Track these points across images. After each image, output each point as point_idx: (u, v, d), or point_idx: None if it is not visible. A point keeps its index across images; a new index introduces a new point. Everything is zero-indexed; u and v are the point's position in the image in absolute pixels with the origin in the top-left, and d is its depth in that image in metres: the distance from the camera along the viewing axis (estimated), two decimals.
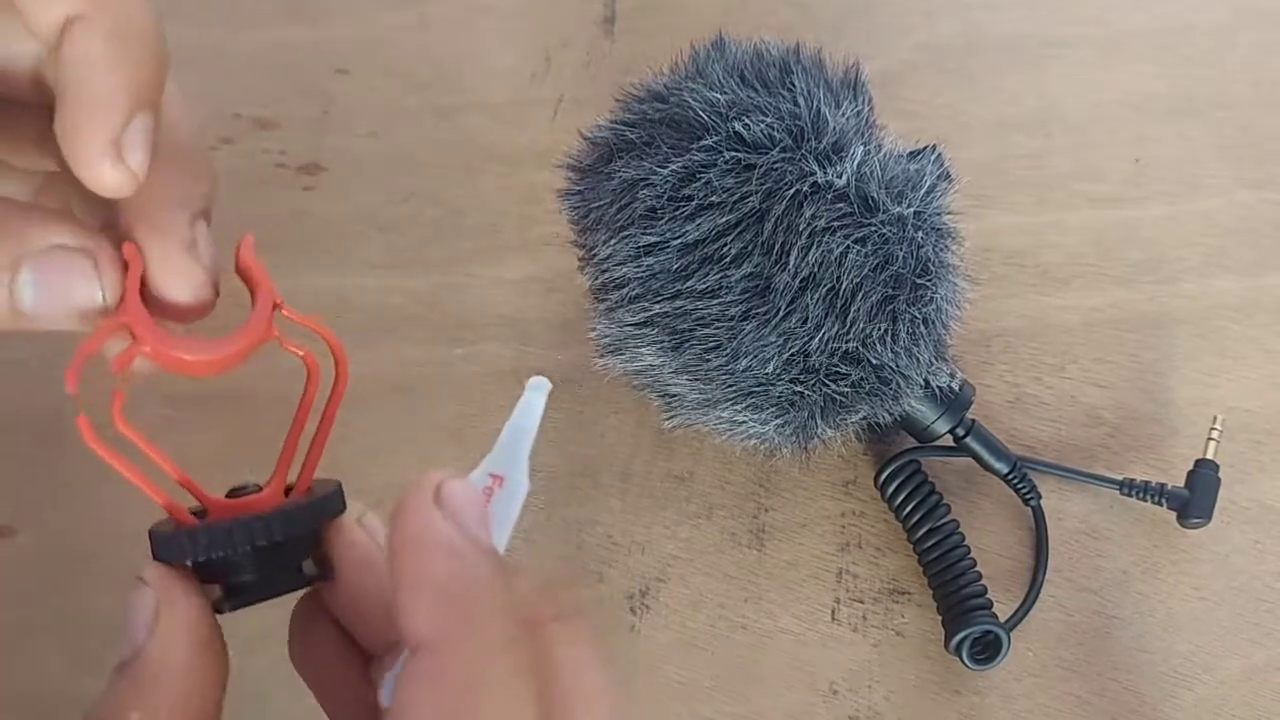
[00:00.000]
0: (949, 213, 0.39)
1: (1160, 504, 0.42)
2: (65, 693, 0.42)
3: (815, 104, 0.37)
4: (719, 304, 0.37)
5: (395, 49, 0.51)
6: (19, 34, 0.28)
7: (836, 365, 0.38)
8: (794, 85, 0.38)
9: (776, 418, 0.39)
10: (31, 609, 0.43)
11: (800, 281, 0.36)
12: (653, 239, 0.37)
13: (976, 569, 0.42)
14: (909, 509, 0.42)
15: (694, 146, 0.37)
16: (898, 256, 0.37)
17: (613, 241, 0.38)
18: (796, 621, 0.42)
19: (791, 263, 0.36)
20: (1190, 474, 0.42)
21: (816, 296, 0.36)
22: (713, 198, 0.37)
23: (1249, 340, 0.46)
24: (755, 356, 0.37)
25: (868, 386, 0.38)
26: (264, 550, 0.26)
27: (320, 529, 0.28)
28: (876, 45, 0.51)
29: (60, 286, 0.27)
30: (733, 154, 0.37)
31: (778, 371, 0.37)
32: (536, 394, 0.28)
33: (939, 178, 0.39)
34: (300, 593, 0.29)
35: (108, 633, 0.42)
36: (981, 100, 0.50)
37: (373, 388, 0.45)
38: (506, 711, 0.20)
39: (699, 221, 0.37)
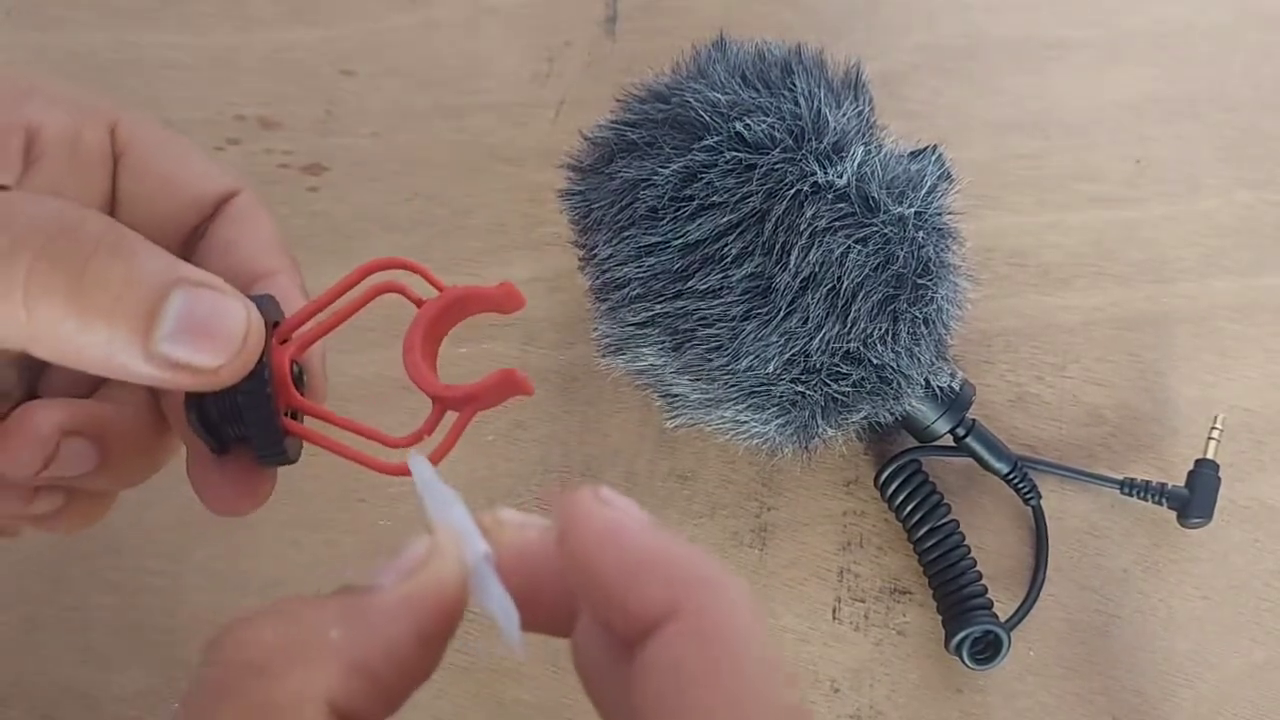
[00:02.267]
0: (950, 213, 0.39)
1: (1161, 503, 0.42)
2: (72, 688, 0.42)
3: (816, 104, 0.37)
4: (720, 304, 0.37)
5: (399, 50, 0.52)
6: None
7: (838, 365, 0.38)
8: (795, 85, 0.38)
9: (778, 417, 0.39)
10: (38, 606, 0.43)
11: (801, 281, 0.36)
12: (654, 239, 0.37)
13: (977, 568, 0.42)
14: (910, 508, 0.43)
15: (695, 147, 0.37)
16: (899, 256, 0.37)
17: (614, 241, 0.38)
18: (798, 620, 0.42)
19: (792, 263, 0.36)
20: (1191, 473, 0.42)
21: (818, 296, 0.37)
22: (714, 198, 0.37)
23: (1249, 340, 0.46)
24: (757, 356, 0.37)
25: (869, 386, 0.38)
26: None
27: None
28: (877, 46, 0.51)
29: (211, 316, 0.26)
30: (734, 154, 0.37)
31: (779, 371, 0.38)
32: (422, 468, 0.26)
33: (940, 178, 0.39)
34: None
35: (113, 629, 0.42)
36: (982, 101, 0.50)
37: (378, 387, 0.45)
38: (764, 650, 0.20)
39: (700, 221, 0.37)
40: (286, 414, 0.29)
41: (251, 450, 0.29)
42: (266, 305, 0.29)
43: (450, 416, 0.29)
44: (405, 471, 0.26)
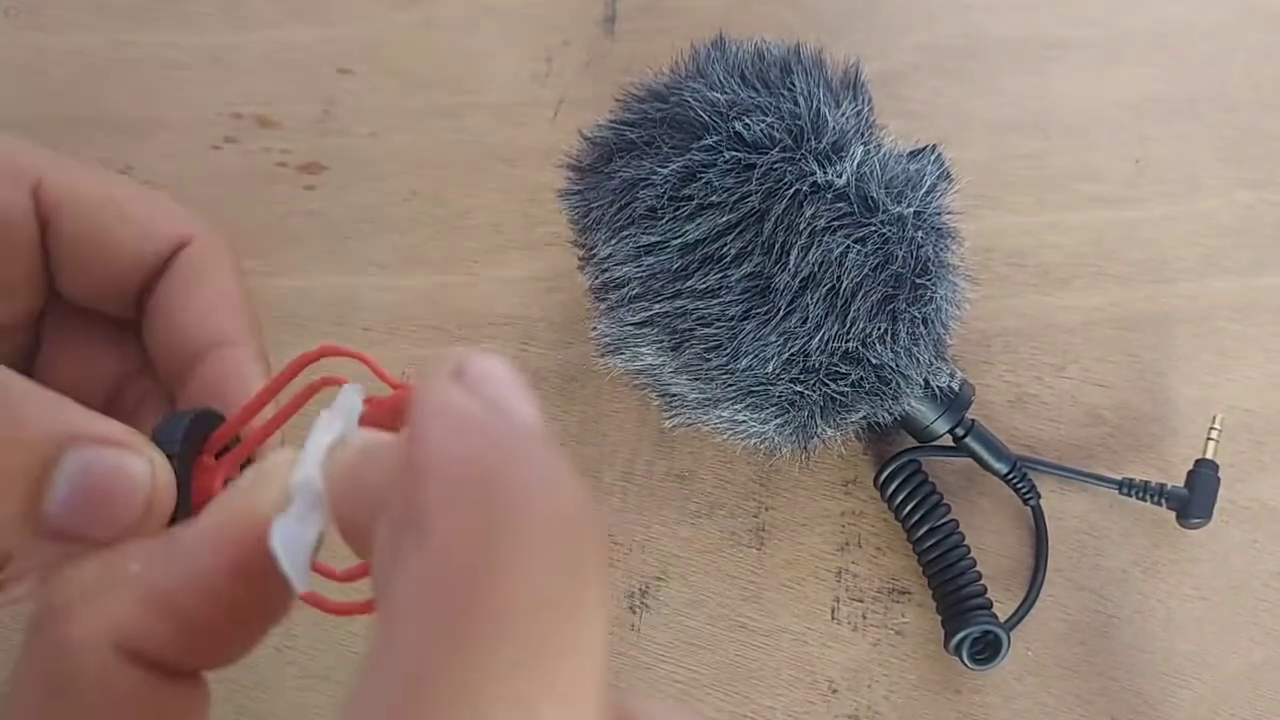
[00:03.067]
0: (949, 213, 0.39)
1: (1160, 504, 0.42)
2: None
3: (815, 104, 0.37)
4: (719, 303, 0.37)
5: (397, 49, 0.51)
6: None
7: (836, 365, 0.38)
8: (794, 85, 0.38)
9: (777, 417, 0.39)
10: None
11: (800, 281, 0.36)
12: (653, 238, 0.37)
13: (976, 569, 0.42)
14: (909, 508, 0.42)
15: (694, 146, 0.37)
16: (898, 256, 0.37)
17: (613, 241, 0.38)
18: (796, 620, 0.42)
19: (791, 262, 0.36)
20: (1190, 474, 0.42)
21: (816, 296, 0.37)
22: (713, 197, 0.37)
23: (1249, 340, 0.46)
24: (755, 356, 0.37)
25: (868, 386, 0.38)
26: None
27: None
28: (877, 45, 0.51)
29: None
30: (733, 154, 0.37)
31: (778, 371, 0.38)
32: (348, 397, 0.23)
33: (939, 178, 0.39)
34: None
35: None
36: (982, 100, 0.50)
37: (377, 386, 0.45)
38: (521, 608, 0.16)
39: (699, 221, 0.37)
40: None
41: None
42: (189, 427, 0.25)
43: None
44: (353, 611, 0.22)
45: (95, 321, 0.31)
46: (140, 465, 0.23)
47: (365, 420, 0.24)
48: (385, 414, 0.24)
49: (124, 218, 0.29)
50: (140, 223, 0.29)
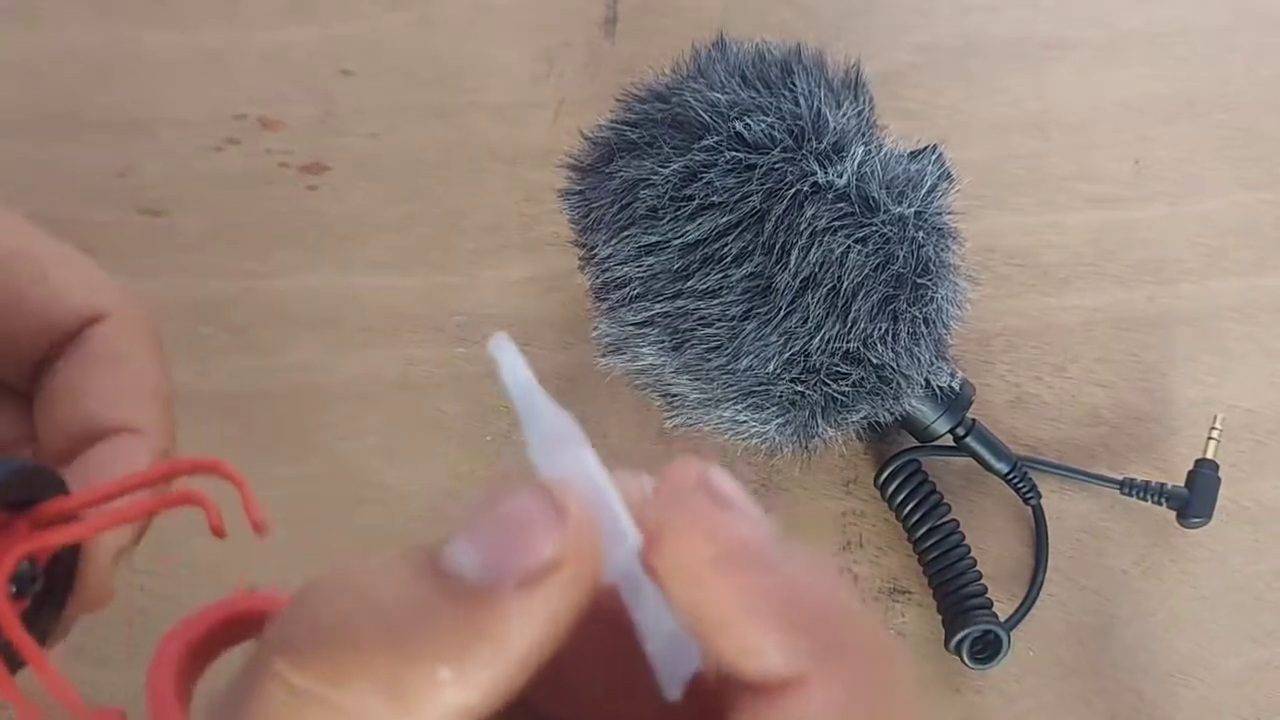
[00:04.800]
0: (949, 213, 0.39)
1: (1160, 504, 0.42)
2: (75, 687, 0.42)
3: (816, 104, 0.37)
4: (720, 304, 0.37)
5: (398, 49, 0.51)
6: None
7: (837, 365, 0.38)
8: (795, 85, 0.38)
9: (777, 417, 0.39)
10: None
11: (801, 281, 0.36)
12: (654, 239, 0.37)
13: (977, 568, 0.42)
14: (909, 508, 0.42)
15: (695, 146, 0.37)
16: (898, 256, 0.37)
17: (613, 241, 0.38)
18: None
19: (792, 262, 0.36)
20: (1190, 474, 0.42)
21: (817, 296, 0.37)
22: (714, 198, 0.37)
23: (1249, 340, 0.46)
24: (756, 356, 0.37)
25: (868, 386, 0.38)
26: None
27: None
28: (877, 45, 0.51)
29: None
30: (734, 154, 0.37)
31: (778, 371, 0.38)
32: (506, 354, 0.20)
33: (939, 178, 0.39)
34: None
35: (109, 628, 0.42)
36: (982, 101, 0.50)
37: (375, 387, 0.45)
38: None
39: (700, 221, 0.37)
40: None
41: None
42: (11, 476, 0.22)
43: None
44: None
45: None
46: None
47: (231, 608, 0.21)
48: (255, 614, 0.21)
49: (37, 278, 0.26)
50: (54, 287, 0.27)
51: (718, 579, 0.16)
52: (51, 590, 0.24)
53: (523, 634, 0.16)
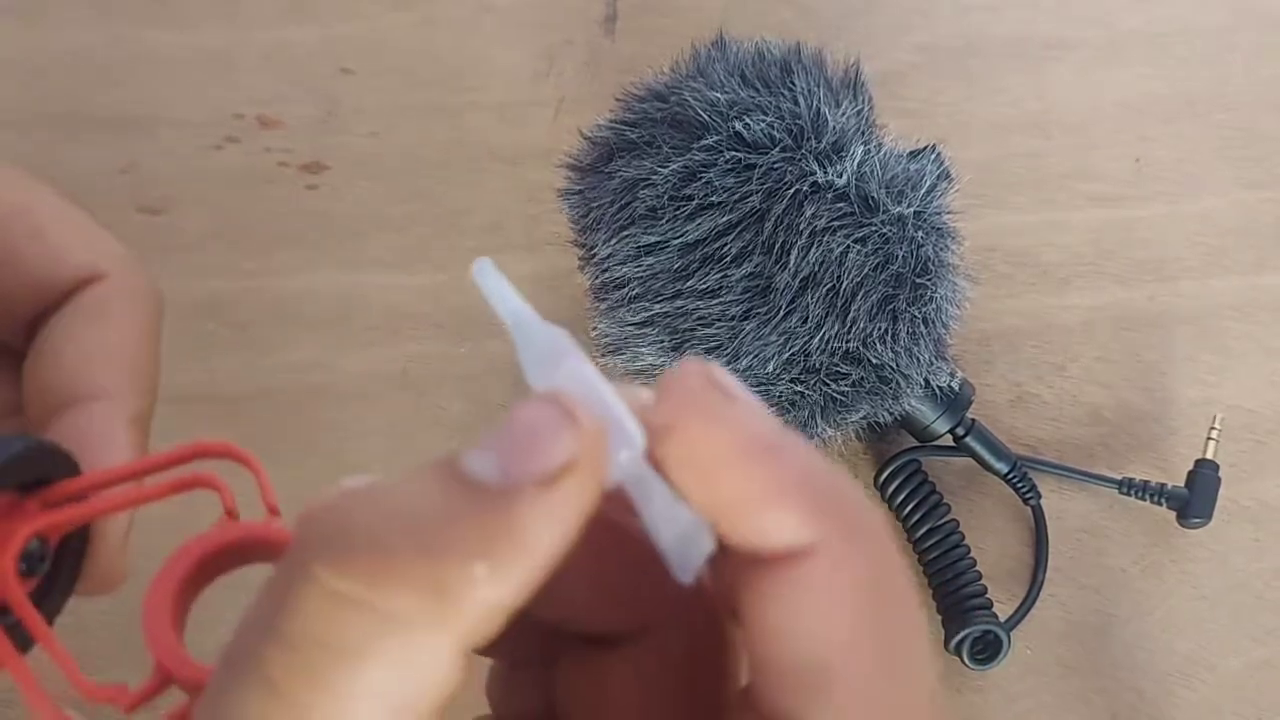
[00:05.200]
0: (949, 212, 0.39)
1: (1160, 503, 0.42)
2: (68, 693, 0.41)
3: (815, 103, 0.37)
4: (719, 304, 0.37)
5: (399, 48, 0.51)
6: None
7: (837, 365, 0.38)
8: (794, 85, 0.38)
9: (777, 417, 0.39)
10: None
11: (800, 281, 0.36)
12: (653, 238, 0.37)
13: (976, 569, 0.42)
14: (909, 508, 0.42)
15: (695, 146, 0.37)
16: (898, 256, 0.37)
17: (613, 241, 0.38)
18: None
19: (792, 262, 0.36)
20: (1190, 473, 0.42)
21: (817, 296, 0.37)
22: (713, 197, 0.37)
23: (1249, 340, 0.46)
24: (756, 356, 0.37)
25: (868, 386, 0.38)
26: None
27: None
28: (876, 45, 0.51)
29: None
30: (733, 154, 0.37)
31: (778, 371, 0.38)
32: (489, 278, 0.21)
33: (939, 177, 0.39)
34: None
35: (108, 631, 0.42)
36: (981, 100, 0.50)
37: (377, 385, 0.45)
38: (915, 607, 0.18)
39: (699, 221, 0.37)
40: None
41: None
42: (19, 455, 0.22)
43: (174, 695, 0.21)
44: None
45: None
46: None
47: (221, 538, 0.21)
48: (247, 541, 0.22)
49: (35, 235, 0.26)
50: (52, 245, 0.26)
51: (737, 465, 0.17)
52: (60, 571, 0.24)
53: (544, 533, 0.16)
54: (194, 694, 0.20)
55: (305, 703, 0.16)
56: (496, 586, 0.16)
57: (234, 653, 0.17)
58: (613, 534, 0.19)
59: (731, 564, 0.18)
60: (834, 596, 0.17)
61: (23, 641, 0.22)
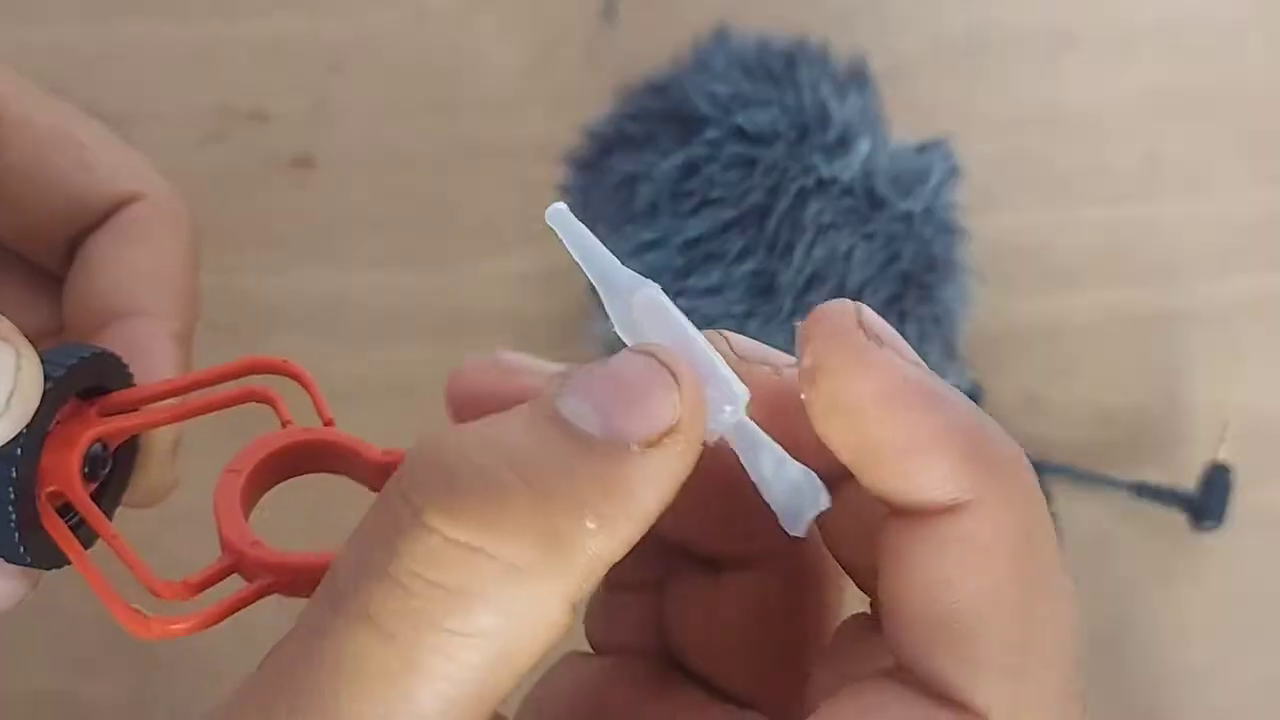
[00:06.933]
0: (957, 209, 0.39)
1: (1173, 507, 0.42)
2: (58, 694, 0.41)
3: (820, 96, 0.37)
4: (722, 302, 0.37)
5: (391, 42, 0.51)
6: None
7: None
8: (798, 77, 0.38)
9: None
10: (26, 615, 0.42)
11: (805, 279, 0.36)
12: (653, 235, 0.37)
13: None
14: None
15: (695, 140, 0.37)
16: (905, 254, 0.37)
17: (612, 237, 0.38)
18: None
19: (796, 259, 0.36)
20: (1203, 477, 0.42)
21: (822, 294, 0.36)
22: (715, 192, 0.36)
23: (1266, 340, 0.46)
24: None
25: None
26: None
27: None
28: (884, 38, 0.50)
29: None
30: (735, 148, 0.36)
31: None
32: (565, 222, 0.21)
33: (947, 173, 0.39)
34: None
35: (102, 637, 0.42)
36: (991, 95, 0.50)
37: (370, 386, 0.44)
38: (1062, 572, 0.18)
39: (701, 217, 0.37)
40: (57, 506, 0.23)
41: None
42: (84, 361, 0.23)
43: (235, 582, 0.22)
44: (149, 632, 0.21)
45: (15, 268, 0.29)
46: (5, 354, 0.21)
47: (275, 441, 0.22)
48: (320, 446, 0.23)
49: (74, 160, 0.27)
50: (90, 168, 0.27)
51: (888, 412, 0.17)
52: (113, 478, 0.25)
53: (650, 493, 0.17)
54: (257, 578, 0.21)
55: (413, 643, 0.16)
56: (606, 540, 0.16)
57: (334, 591, 0.17)
58: (722, 470, 0.19)
59: (867, 512, 0.18)
60: (986, 555, 0.17)
61: (86, 540, 0.23)
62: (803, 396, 0.18)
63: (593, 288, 0.41)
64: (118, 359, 0.24)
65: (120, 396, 0.24)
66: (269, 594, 0.21)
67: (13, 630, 0.42)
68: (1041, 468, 0.42)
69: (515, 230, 0.47)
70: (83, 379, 0.23)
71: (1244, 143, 0.49)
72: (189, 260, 0.28)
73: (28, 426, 0.21)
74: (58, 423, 0.23)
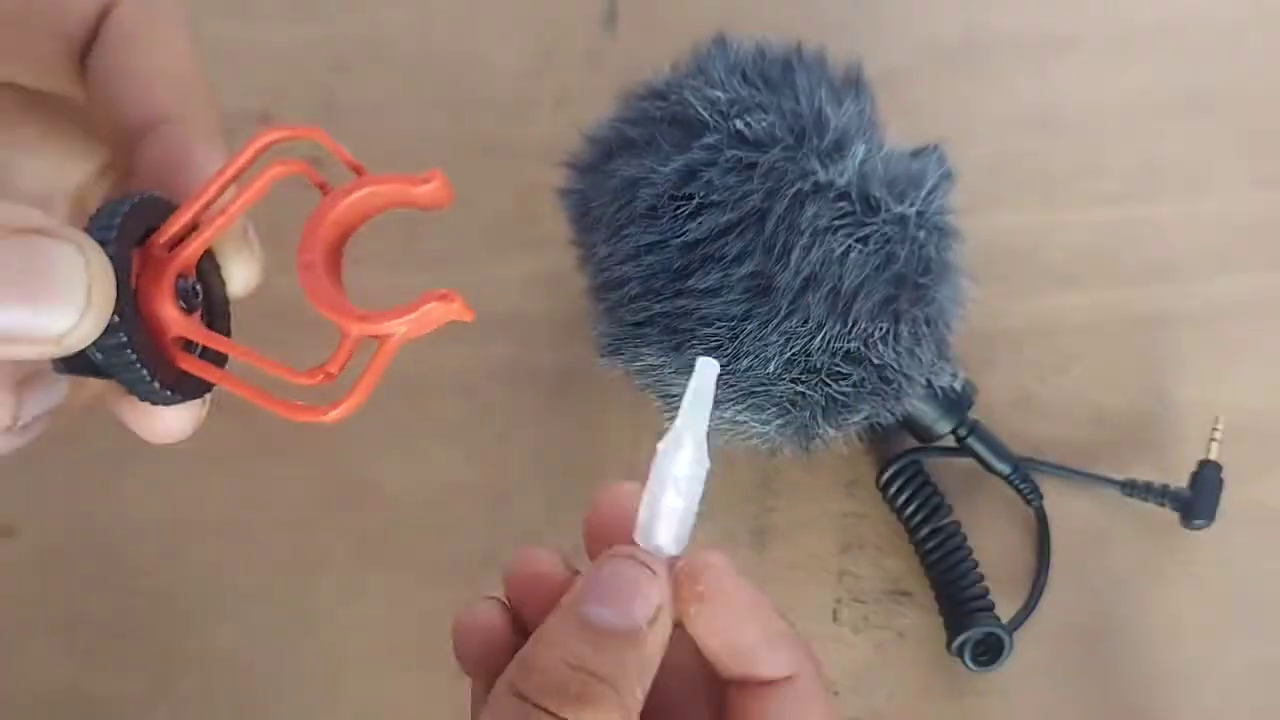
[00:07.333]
0: (952, 211, 0.39)
1: (1163, 505, 0.42)
2: (68, 692, 0.42)
3: (817, 102, 0.37)
4: (720, 303, 0.37)
5: (396, 45, 0.51)
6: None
7: (838, 365, 0.37)
8: (796, 83, 0.38)
9: (778, 418, 0.38)
10: (34, 608, 0.43)
11: (802, 281, 0.36)
12: (653, 238, 0.37)
13: (979, 570, 0.42)
14: (911, 509, 0.42)
15: (695, 144, 0.37)
16: (900, 256, 0.37)
17: (613, 240, 0.38)
18: (798, 622, 0.42)
19: (793, 262, 0.36)
20: (1194, 475, 0.42)
21: (818, 296, 0.36)
22: (714, 196, 0.36)
23: (1255, 340, 0.46)
24: (757, 356, 0.37)
25: (870, 386, 0.38)
26: None
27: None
28: (879, 43, 0.51)
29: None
30: (734, 152, 0.36)
31: (779, 371, 0.37)
32: (708, 377, 0.27)
33: (942, 176, 0.39)
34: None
35: (109, 632, 0.42)
36: (985, 98, 0.50)
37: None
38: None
39: (700, 220, 0.37)
40: (180, 345, 0.24)
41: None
42: (127, 214, 0.23)
43: (367, 349, 0.24)
44: (316, 416, 0.23)
45: (47, 118, 0.28)
46: (68, 253, 0.21)
47: (326, 209, 0.24)
48: (350, 201, 0.24)
49: None
50: None
51: (746, 623, 0.27)
52: (210, 294, 0.26)
53: (659, 654, 0.26)
54: (378, 336, 0.23)
55: None
56: (638, 703, 0.25)
57: None
58: None
59: (727, 683, 0.28)
60: (811, 703, 0.27)
61: (217, 362, 0.25)
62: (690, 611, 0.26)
63: (593, 289, 0.42)
64: (151, 195, 0.24)
65: (170, 225, 0.24)
66: (398, 347, 0.24)
67: (24, 629, 0.42)
68: (1034, 466, 0.43)
69: (518, 232, 0.48)
70: (133, 233, 0.23)
71: (1237, 144, 0.49)
72: (192, 52, 0.28)
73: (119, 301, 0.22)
74: (137, 276, 0.23)
